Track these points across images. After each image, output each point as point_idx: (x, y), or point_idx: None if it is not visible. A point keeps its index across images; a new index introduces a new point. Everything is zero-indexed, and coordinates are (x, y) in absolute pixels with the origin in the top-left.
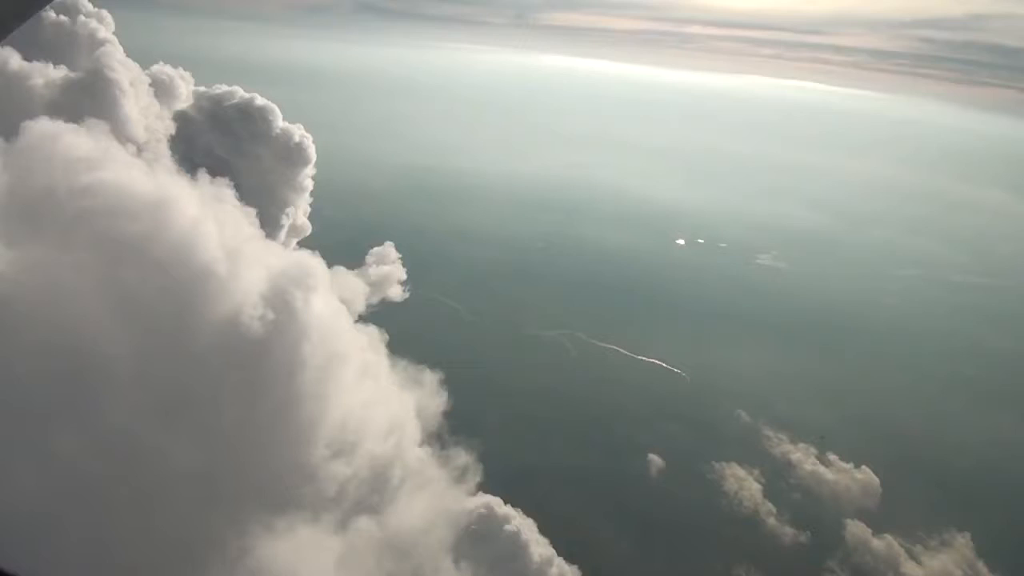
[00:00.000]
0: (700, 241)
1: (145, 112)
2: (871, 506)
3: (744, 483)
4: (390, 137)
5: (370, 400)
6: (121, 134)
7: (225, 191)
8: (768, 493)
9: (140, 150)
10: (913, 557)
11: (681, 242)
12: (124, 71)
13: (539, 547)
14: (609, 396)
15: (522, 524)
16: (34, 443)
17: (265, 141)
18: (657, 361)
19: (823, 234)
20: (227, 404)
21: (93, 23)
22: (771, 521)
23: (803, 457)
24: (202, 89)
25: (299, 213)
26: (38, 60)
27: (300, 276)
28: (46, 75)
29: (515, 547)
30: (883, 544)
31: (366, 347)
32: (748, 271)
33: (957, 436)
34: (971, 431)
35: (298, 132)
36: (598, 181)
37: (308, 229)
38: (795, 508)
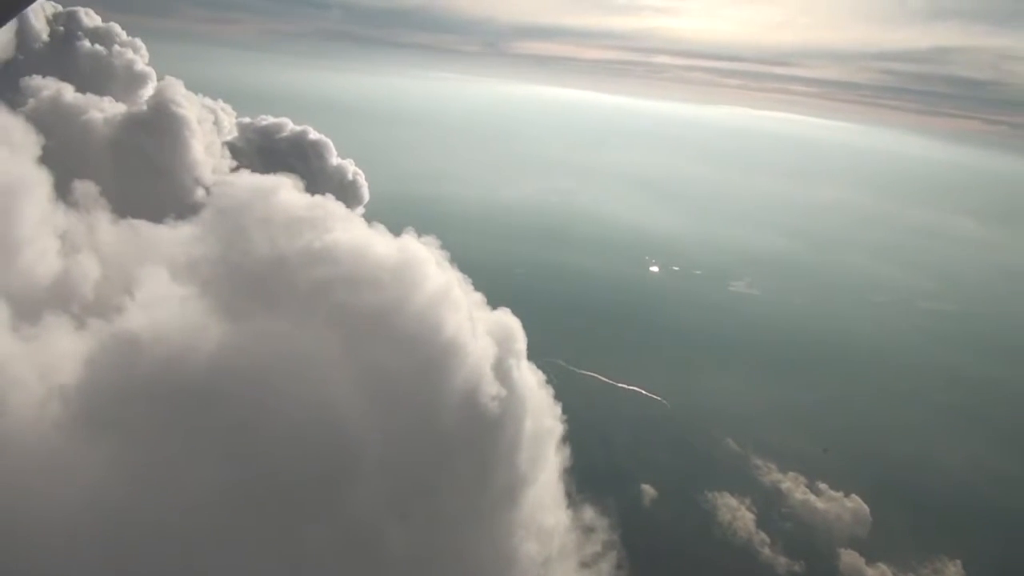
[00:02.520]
0: (675, 268)
1: (210, 150)
2: (862, 534)
3: (737, 513)
4: (363, 164)
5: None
6: (192, 176)
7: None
8: (761, 523)
9: (209, 192)
10: None
11: (655, 269)
12: (191, 106)
13: None
14: (593, 424)
15: None
16: (288, 531)
17: (321, 178)
18: (638, 388)
19: (794, 261)
20: (456, 489)
21: (129, 53)
22: (765, 551)
23: (793, 486)
24: (246, 120)
25: None
26: (78, 90)
27: (510, 341)
28: (102, 108)
29: None
30: (877, 573)
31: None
32: (723, 298)
33: (939, 462)
34: (952, 457)
35: (351, 168)
36: (574, 208)
37: None
38: (788, 538)
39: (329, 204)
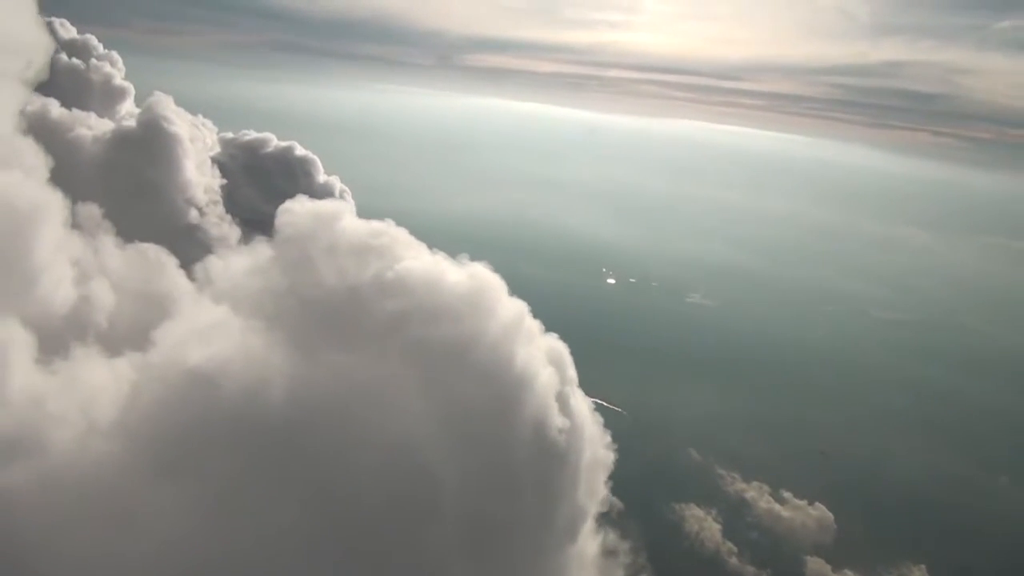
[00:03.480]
0: (632, 280)
1: (201, 168)
2: (827, 542)
3: (704, 523)
4: None
5: None
6: (185, 196)
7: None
8: (727, 532)
9: (202, 213)
10: None
11: (612, 281)
12: (183, 124)
13: None
14: None
15: None
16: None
17: (308, 195)
18: (598, 400)
19: (749, 272)
20: (523, 526)
21: (107, 66)
22: (733, 561)
23: (757, 495)
24: (228, 135)
25: None
26: (55, 104)
27: (564, 368)
28: (88, 125)
29: None
30: None
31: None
32: (680, 309)
33: (897, 468)
34: (909, 462)
35: (338, 185)
36: (529, 220)
37: None
38: (755, 547)
39: (392, 230)
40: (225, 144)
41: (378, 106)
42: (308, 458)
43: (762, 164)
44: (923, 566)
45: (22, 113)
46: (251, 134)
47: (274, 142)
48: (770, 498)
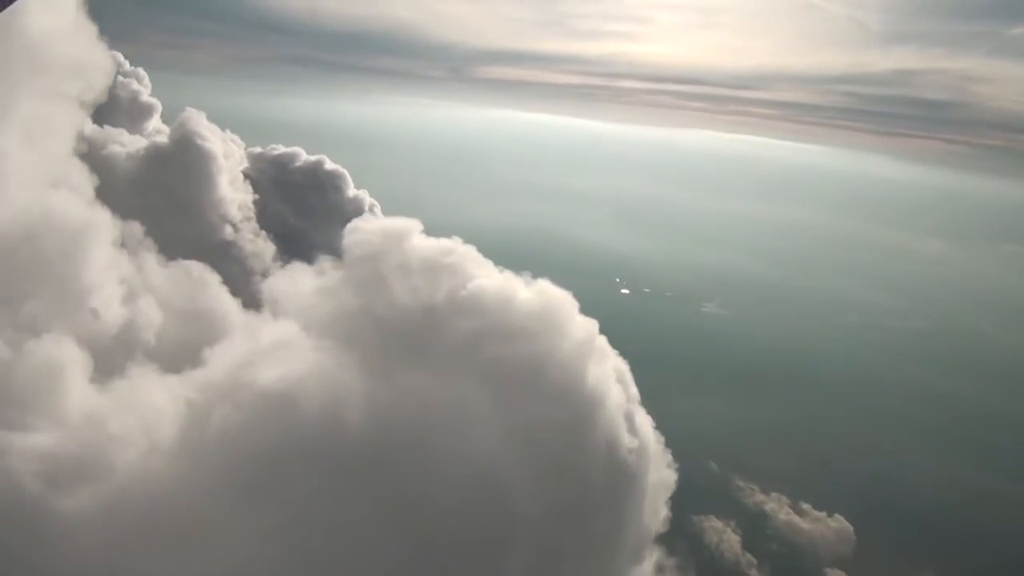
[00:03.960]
0: (646, 290)
1: (234, 184)
2: (847, 553)
3: (723, 535)
4: None
5: None
6: (219, 213)
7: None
8: (747, 544)
9: (237, 229)
10: None
11: (626, 291)
12: (215, 139)
13: None
14: None
15: None
16: None
17: (339, 210)
18: None
19: (764, 282)
20: (593, 550)
21: (134, 83)
22: (753, 573)
23: (777, 507)
24: (257, 150)
25: None
26: (87, 121)
27: (626, 385)
28: (121, 142)
29: None
30: None
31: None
32: (695, 319)
33: (915, 478)
34: (927, 472)
35: (367, 199)
36: (543, 231)
37: None
38: (774, 559)
39: (460, 247)
40: (254, 159)
41: (391, 119)
42: (385, 479)
43: (774, 173)
44: None
45: (80, 136)
46: (280, 148)
47: (303, 156)
48: (789, 509)
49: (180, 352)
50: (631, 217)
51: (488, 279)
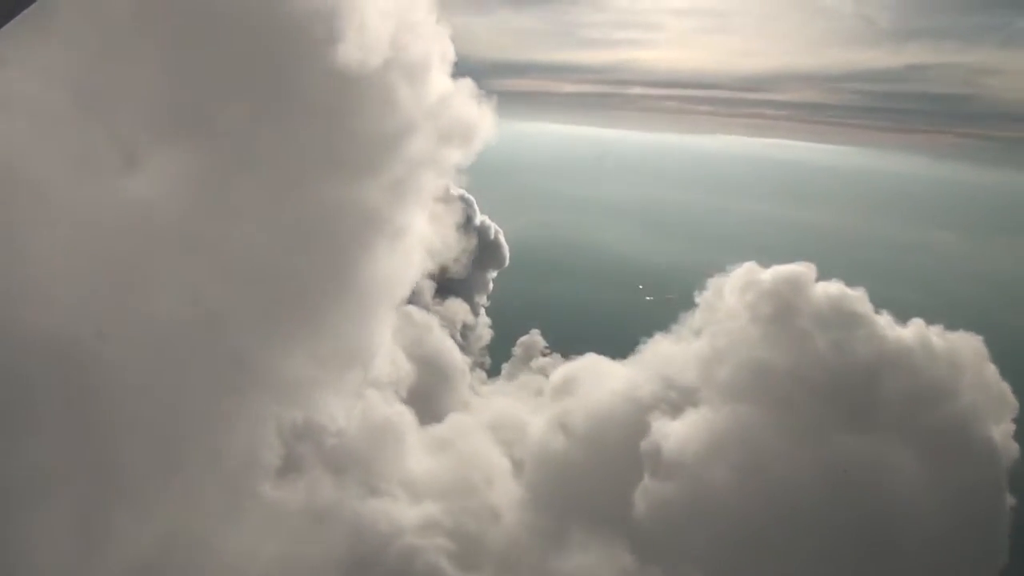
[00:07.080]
0: (669, 296)
1: None
2: None
3: None
4: None
5: None
6: None
7: None
8: None
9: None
10: None
11: (650, 298)
12: None
13: None
14: None
15: None
16: None
17: (467, 238)
18: None
19: None
20: None
21: None
22: None
23: None
24: None
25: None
26: None
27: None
28: None
29: None
30: None
31: None
32: None
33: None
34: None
35: (493, 226)
36: (563, 240)
37: None
38: None
39: (848, 291)
40: None
41: None
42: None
43: (789, 173)
44: None
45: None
46: None
47: None
48: None
49: (418, 398)
50: (651, 223)
51: (902, 330)
